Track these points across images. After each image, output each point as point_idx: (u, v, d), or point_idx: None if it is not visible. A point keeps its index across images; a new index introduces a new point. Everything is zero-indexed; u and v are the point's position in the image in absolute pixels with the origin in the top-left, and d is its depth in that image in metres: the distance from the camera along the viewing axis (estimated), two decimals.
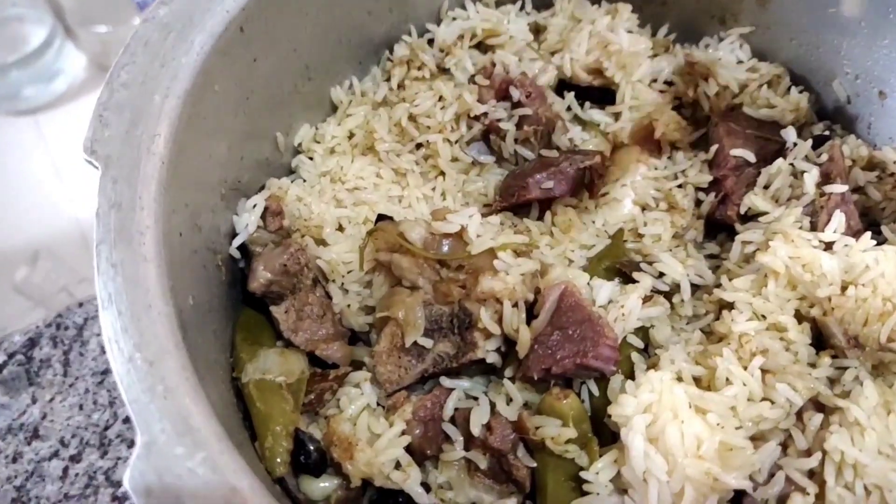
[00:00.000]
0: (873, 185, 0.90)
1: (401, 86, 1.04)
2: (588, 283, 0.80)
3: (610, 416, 0.70)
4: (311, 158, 1.01)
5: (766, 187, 0.91)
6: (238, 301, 0.89)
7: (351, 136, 1.02)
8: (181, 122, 0.73)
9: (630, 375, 0.76)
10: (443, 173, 0.99)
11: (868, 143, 0.96)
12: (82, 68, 1.60)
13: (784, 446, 0.69)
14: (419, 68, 1.03)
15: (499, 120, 0.98)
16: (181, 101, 0.74)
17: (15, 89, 1.51)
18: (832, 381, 0.75)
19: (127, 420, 1.10)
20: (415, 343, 0.80)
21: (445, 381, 0.80)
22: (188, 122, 0.75)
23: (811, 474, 0.67)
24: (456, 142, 0.99)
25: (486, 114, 0.98)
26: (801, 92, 1.03)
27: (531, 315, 0.79)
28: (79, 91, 1.58)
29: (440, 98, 0.99)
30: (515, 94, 0.98)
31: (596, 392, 0.77)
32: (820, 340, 0.78)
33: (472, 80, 1.01)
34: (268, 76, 0.91)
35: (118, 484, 1.05)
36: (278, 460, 0.74)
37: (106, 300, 0.60)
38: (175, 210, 0.71)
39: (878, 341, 0.73)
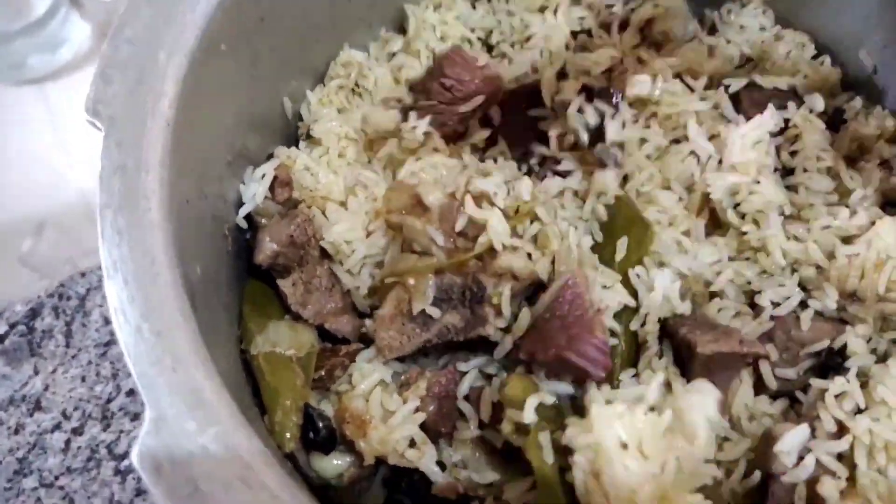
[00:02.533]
0: None
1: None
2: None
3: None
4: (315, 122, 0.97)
5: None
6: (243, 273, 0.86)
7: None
8: (187, 82, 0.69)
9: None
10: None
11: (895, 115, 0.93)
12: (87, 37, 1.55)
13: (812, 428, 0.67)
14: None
15: None
16: (187, 60, 0.70)
17: (20, 58, 1.47)
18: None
19: (130, 393, 1.07)
20: (421, 311, 0.77)
21: (462, 366, 0.77)
22: (195, 83, 0.71)
23: (841, 457, 0.65)
24: None
25: None
26: (822, 63, 1.00)
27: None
28: (84, 60, 1.53)
29: None
30: None
31: (569, 390, 0.73)
32: None
33: None
34: (275, 37, 0.87)
35: (121, 457, 1.03)
36: (288, 435, 0.71)
37: (111, 268, 0.57)
38: (181, 175, 0.68)
39: (876, 293, 0.73)
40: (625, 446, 0.62)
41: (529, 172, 0.90)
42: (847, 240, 0.78)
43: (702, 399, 0.69)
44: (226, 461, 0.50)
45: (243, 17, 0.78)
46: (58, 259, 1.23)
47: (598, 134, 0.86)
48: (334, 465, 0.74)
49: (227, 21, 0.75)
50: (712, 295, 0.80)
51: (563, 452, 0.66)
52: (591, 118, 0.86)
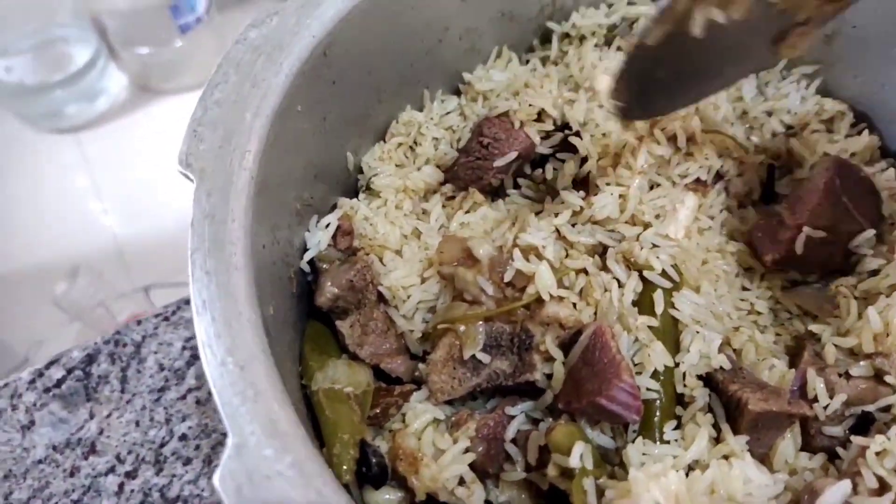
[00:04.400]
0: None
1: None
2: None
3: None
4: (375, 176, 1.04)
5: None
6: (304, 314, 0.92)
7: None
8: (269, 139, 0.77)
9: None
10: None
11: None
12: (124, 88, 1.65)
13: (854, 485, 0.68)
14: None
15: None
16: (269, 120, 0.78)
17: (58, 107, 1.55)
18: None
19: (182, 438, 1.11)
20: (472, 357, 0.82)
21: (510, 410, 0.81)
22: (274, 140, 0.78)
23: None
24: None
25: None
26: (860, 132, 1.03)
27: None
28: (120, 111, 1.62)
29: None
30: None
31: (610, 443, 0.76)
32: None
33: None
34: (344, 98, 0.94)
35: (173, 501, 1.06)
36: (345, 468, 0.75)
37: (200, 306, 0.63)
38: (260, 223, 0.74)
39: None
40: None
41: None
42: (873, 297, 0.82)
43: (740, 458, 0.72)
44: (300, 487, 0.55)
45: (318, 80, 0.86)
46: (90, 302, 1.28)
47: None
48: (386, 499, 0.78)
49: (304, 85, 0.83)
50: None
51: None
52: None
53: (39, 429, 1.11)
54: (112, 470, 1.08)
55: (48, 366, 1.17)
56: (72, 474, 1.08)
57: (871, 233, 0.88)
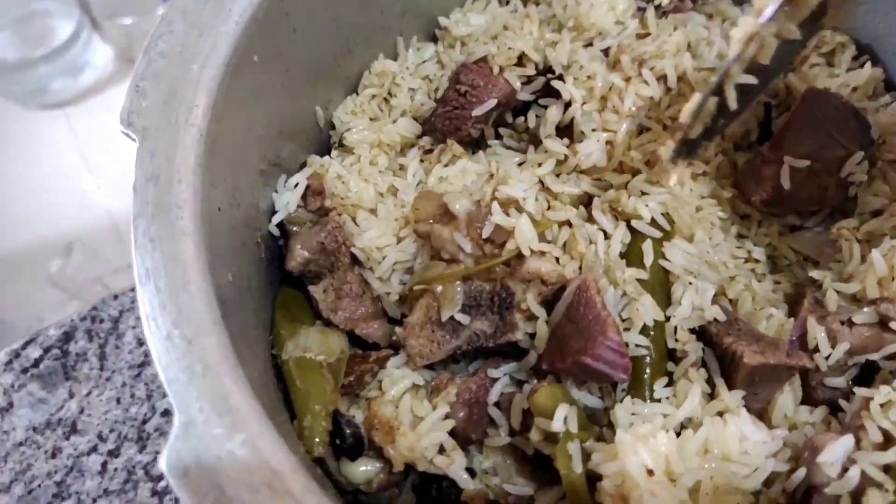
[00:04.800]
0: None
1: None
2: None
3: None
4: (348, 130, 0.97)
5: None
6: (276, 280, 0.87)
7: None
8: (220, 93, 0.71)
9: None
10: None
11: None
12: (109, 60, 1.61)
13: (857, 439, 0.64)
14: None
15: None
16: (220, 72, 0.71)
17: (43, 83, 1.52)
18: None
19: (165, 413, 1.08)
20: (451, 318, 0.77)
21: (493, 372, 0.76)
22: (227, 94, 0.72)
23: (888, 469, 0.62)
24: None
25: None
26: (862, 66, 0.96)
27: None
28: (106, 83, 1.58)
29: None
30: None
31: (598, 403, 0.72)
32: None
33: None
34: (307, 48, 0.88)
35: (158, 478, 1.04)
36: (317, 440, 0.72)
37: (143, 276, 0.58)
38: (214, 184, 0.69)
39: None
40: (651, 473, 0.61)
41: None
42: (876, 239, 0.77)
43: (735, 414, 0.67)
44: (252, 466, 0.51)
45: (276, 28, 0.80)
46: (87, 278, 1.25)
47: None
48: (362, 471, 0.74)
49: (259, 33, 0.77)
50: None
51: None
52: None
53: (18, 410, 1.08)
54: (94, 449, 1.05)
55: (25, 346, 1.13)
56: (54, 455, 1.05)
57: (859, 155, 0.82)
